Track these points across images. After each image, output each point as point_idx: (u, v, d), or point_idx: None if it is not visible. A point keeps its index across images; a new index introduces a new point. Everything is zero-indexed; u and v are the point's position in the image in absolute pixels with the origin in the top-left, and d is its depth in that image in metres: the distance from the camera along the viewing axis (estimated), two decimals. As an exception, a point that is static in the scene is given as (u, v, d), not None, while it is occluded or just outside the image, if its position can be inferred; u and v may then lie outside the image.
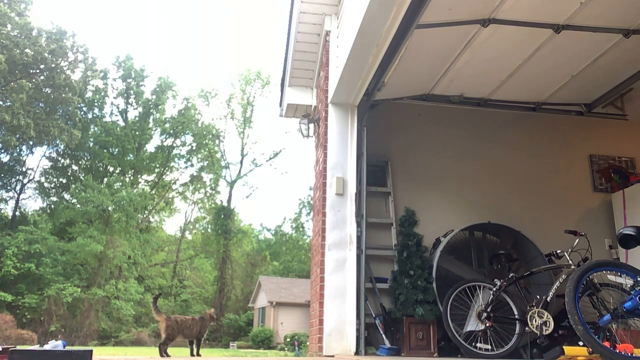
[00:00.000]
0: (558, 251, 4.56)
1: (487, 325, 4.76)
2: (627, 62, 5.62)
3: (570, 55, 5.51)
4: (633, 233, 3.79)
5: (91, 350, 3.53)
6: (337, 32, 5.77)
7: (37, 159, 48.66)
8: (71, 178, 35.51)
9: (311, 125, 6.56)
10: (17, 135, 29.34)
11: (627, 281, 3.59)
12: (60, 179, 35.91)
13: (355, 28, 4.54)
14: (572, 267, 4.31)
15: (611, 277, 3.74)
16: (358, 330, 5.11)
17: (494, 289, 4.83)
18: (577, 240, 4.53)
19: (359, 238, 5.43)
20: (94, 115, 36.65)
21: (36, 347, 4.99)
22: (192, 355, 4.63)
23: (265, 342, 27.91)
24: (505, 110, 6.73)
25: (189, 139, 39.42)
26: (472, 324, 4.98)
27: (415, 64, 5.62)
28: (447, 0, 4.58)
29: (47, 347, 4.15)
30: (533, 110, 6.74)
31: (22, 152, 33.32)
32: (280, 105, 7.68)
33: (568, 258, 4.43)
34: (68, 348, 4.21)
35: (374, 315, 5.61)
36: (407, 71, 5.67)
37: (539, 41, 5.23)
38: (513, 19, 4.90)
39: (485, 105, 6.61)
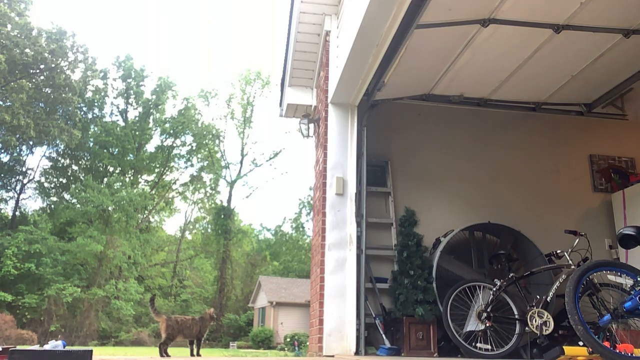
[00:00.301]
0: (558, 251, 4.56)
1: (487, 325, 4.76)
2: (627, 62, 5.62)
3: (570, 55, 5.51)
4: (633, 233, 3.79)
5: (91, 350, 3.53)
6: (337, 32, 5.77)
7: (37, 159, 48.76)
8: (71, 178, 35.54)
9: (311, 125, 6.55)
10: (17, 135, 29.36)
11: (627, 281, 3.58)
12: (60, 179, 35.94)
13: (355, 28, 4.54)
14: (572, 267, 4.31)
15: (611, 277, 3.74)
16: (358, 330, 5.11)
17: (494, 289, 4.83)
18: (577, 240, 4.53)
19: (359, 238, 5.43)
20: (94, 115, 36.72)
21: (36, 347, 4.99)
22: (192, 355, 4.63)
23: (265, 342, 27.92)
24: (505, 110, 6.73)
25: (189, 139, 39.54)
26: (472, 324, 4.98)
27: (415, 64, 5.62)
28: (447, 0, 4.59)
29: (47, 347, 4.14)
30: (533, 110, 6.74)
31: (22, 152, 33.40)
32: (280, 105, 7.68)
33: (568, 258, 4.43)
34: (68, 348, 4.20)
35: (374, 315, 5.61)
36: (407, 71, 5.67)
37: (539, 41, 5.23)
38: (513, 19, 4.90)
39: (485, 105, 6.62)
